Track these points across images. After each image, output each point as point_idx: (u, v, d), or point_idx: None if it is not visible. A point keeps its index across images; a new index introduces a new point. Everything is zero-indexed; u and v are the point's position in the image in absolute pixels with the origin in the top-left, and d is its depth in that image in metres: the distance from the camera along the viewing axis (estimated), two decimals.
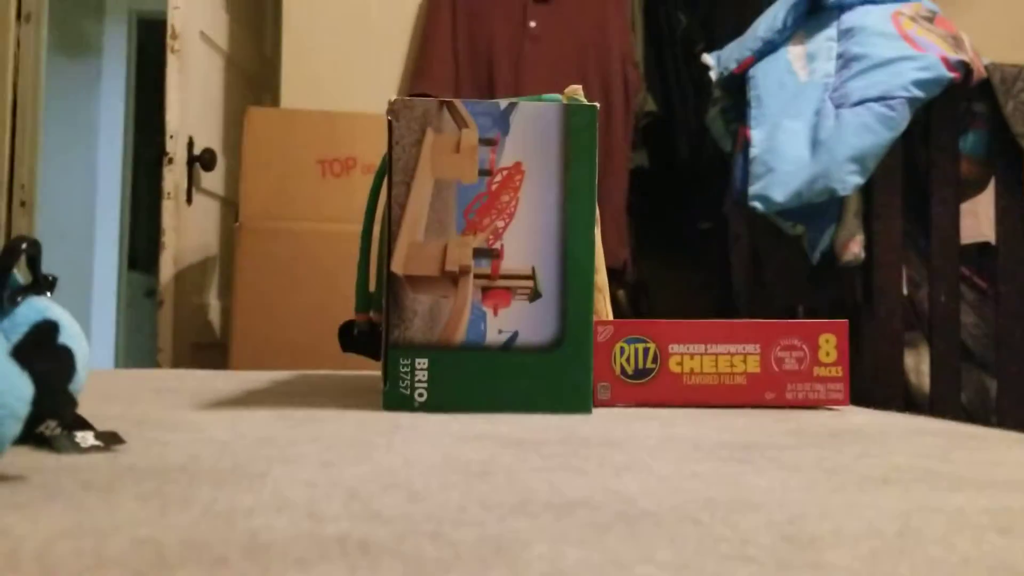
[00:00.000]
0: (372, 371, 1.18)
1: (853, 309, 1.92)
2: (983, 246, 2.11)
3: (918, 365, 1.95)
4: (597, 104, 0.65)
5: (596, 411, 0.69)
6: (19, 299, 0.48)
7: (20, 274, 0.49)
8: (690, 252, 3.10)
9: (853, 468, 0.45)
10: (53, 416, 0.43)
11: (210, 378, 0.99)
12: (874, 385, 1.84)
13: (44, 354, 0.44)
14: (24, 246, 0.46)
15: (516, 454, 0.46)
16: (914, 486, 0.40)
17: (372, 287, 0.81)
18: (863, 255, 1.87)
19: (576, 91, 0.78)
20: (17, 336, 0.46)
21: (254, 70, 2.96)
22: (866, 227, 1.88)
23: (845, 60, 1.92)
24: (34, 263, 0.49)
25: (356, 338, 0.80)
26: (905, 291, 1.93)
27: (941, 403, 1.82)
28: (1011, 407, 1.86)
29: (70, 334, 0.49)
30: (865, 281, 1.90)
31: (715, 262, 2.85)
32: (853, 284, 1.92)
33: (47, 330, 0.44)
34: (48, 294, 0.51)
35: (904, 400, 1.87)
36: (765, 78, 2.02)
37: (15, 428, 0.36)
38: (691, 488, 0.38)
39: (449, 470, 0.41)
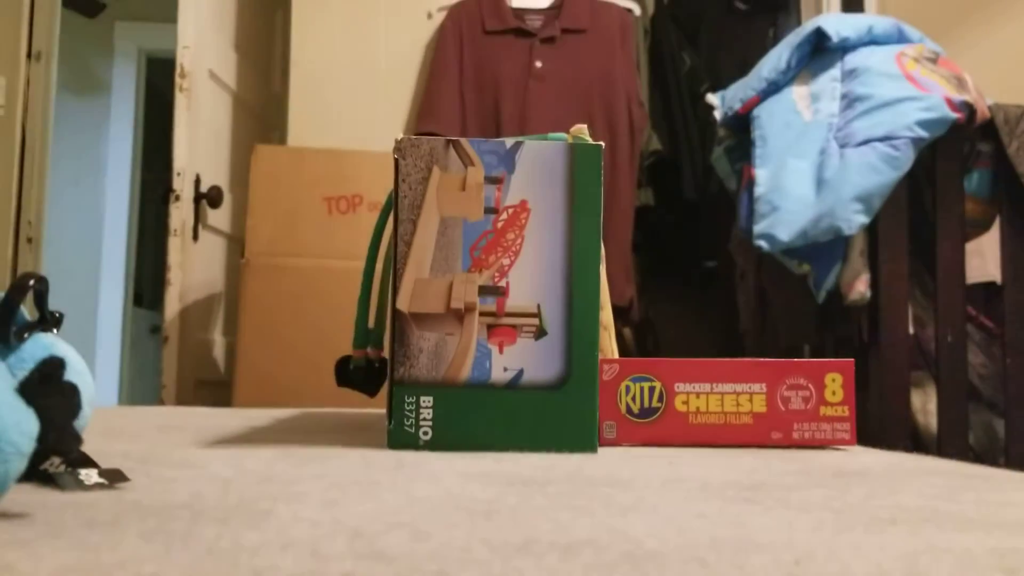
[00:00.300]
0: (376, 409, 1.17)
1: (859, 348, 1.91)
2: (989, 286, 2.10)
3: (925, 405, 1.94)
4: (602, 143, 0.66)
5: (602, 450, 0.69)
6: (26, 335, 0.48)
7: (27, 310, 0.49)
8: (696, 290, 3.10)
9: (860, 508, 0.44)
10: (58, 453, 0.43)
11: (214, 415, 0.99)
12: (881, 425, 1.83)
13: (50, 390, 0.44)
14: (32, 282, 0.46)
15: (521, 493, 0.46)
16: (921, 526, 0.40)
17: (371, 323, 0.81)
18: (869, 294, 1.87)
19: (581, 130, 0.78)
20: (23, 372, 0.46)
21: (262, 108, 2.99)
22: (872, 266, 1.88)
23: (849, 100, 1.93)
24: (41, 299, 0.49)
25: (352, 373, 0.80)
26: (912, 330, 1.92)
27: (949, 443, 1.81)
28: (1020, 448, 1.84)
29: (76, 370, 0.50)
30: (871, 320, 1.89)
31: (721, 300, 2.85)
32: (859, 323, 1.92)
33: (53, 366, 0.44)
34: (55, 330, 0.51)
35: (911, 440, 1.86)
36: (770, 118, 2.04)
37: (20, 465, 0.36)
38: (697, 528, 0.38)
39: (454, 509, 0.41)
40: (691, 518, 0.40)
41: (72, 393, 0.45)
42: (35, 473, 0.43)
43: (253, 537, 0.34)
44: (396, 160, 0.66)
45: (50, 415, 0.41)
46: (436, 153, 0.65)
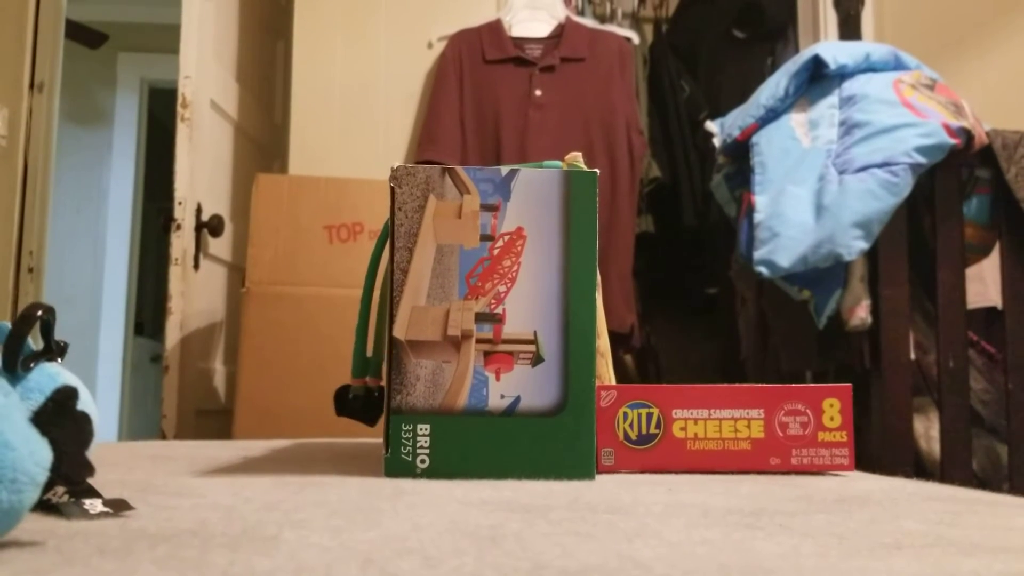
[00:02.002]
0: (371, 438, 1.17)
1: (861, 374, 1.91)
2: (991, 311, 2.10)
3: (928, 431, 1.93)
4: (597, 170, 0.66)
5: (600, 477, 0.69)
6: (32, 365, 0.48)
7: (31, 340, 0.49)
8: (697, 317, 3.10)
9: (864, 534, 0.44)
10: (68, 482, 0.43)
11: (205, 447, 0.98)
12: (884, 450, 1.83)
13: (64, 420, 0.44)
14: (40, 313, 0.46)
15: (524, 519, 0.46)
16: (926, 551, 0.39)
17: (370, 352, 0.81)
18: (870, 320, 1.86)
19: (576, 158, 0.78)
20: (30, 401, 0.46)
21: (263, 137, 3.00)
22: (872, 292, 1.88)
23: (847, 127, 1.94)
24: (47, 329, 0.49)
25: (351, 402, 0.80)
26: (913, 356, 1.92)
27: (952, 469, 1.80)
28: (1023, 473, 1.83)
29: (84, 400, 0.50)
30: (872, 346, 1.89)
31: (722, 327, 2.85)
32: (861, 349, 1.91)
33: (67, 396, 0.44)
34: (59, 360, 0.51)
35: (914, 466, 1.85)
36: (768, 145, 2.04)
37: (34, 495, 0.36)
38: (704, 554, 0.38)
39: (459, 535, 0.41)
40: (696, 544, 0.40)
41: (85, 422, 0.45)
42: (39, 502, 0.43)
43: (265, 563, 0.34)
44: (392, 188, 0.66)
45: (63, 445, 0.41)
46: (432, 181, 0.65)
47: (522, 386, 0.64)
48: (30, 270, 2.61)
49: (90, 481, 0.46)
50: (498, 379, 0.64)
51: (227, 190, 2.66)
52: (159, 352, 3.82)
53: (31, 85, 2.65)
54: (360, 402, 0.80)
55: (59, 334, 0.50)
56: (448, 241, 0.65)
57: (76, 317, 4.40)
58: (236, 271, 2.70)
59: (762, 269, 1.90)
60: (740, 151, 2.15)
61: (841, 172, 1.87)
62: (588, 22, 2.85)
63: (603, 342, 0.80)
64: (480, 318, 0.64)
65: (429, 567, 0.34)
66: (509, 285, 0.64)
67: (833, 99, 2.02)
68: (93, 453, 0.48)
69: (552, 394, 0.64)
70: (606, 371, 0.80)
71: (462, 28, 2.75)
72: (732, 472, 0.74)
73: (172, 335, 2.28)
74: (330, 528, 0.42)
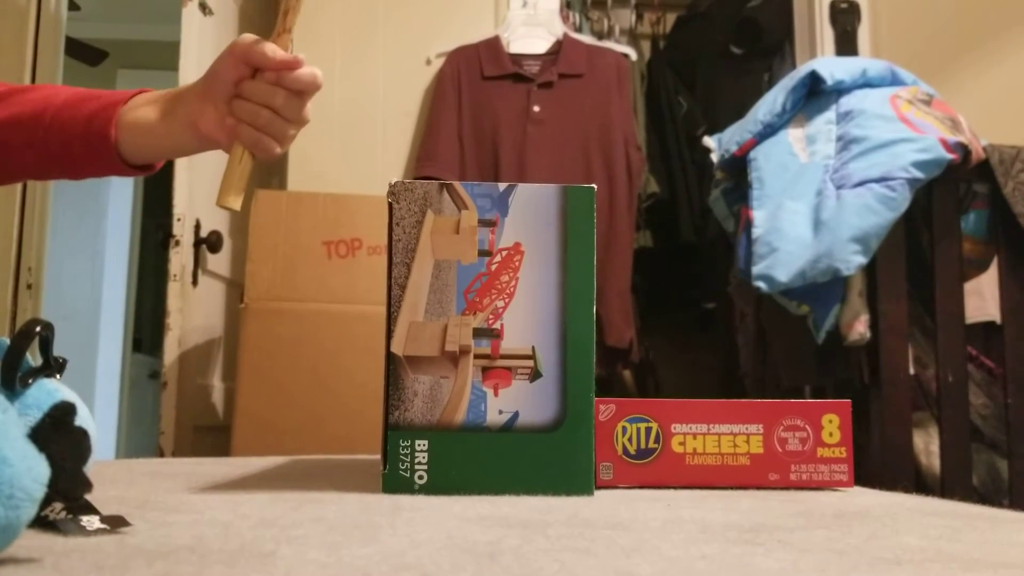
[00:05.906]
0: (369, 454, 1.17)
1: (860, 389, 1.90)
2: (989, 325, 2.10)
3: (928, 446, 1.93)
4: (595, 186, 0.66)
5: (598, 492, 0.69)
6: (31, 381, 0.48)
7: (30, 356, 0.49)
8: (696, 332, 3.10)
9: (864, 549, 0.44)
10: (66, 498, 0.43)
11: (203, 463, 0.98)
12: (883, 466, 1.82)
13: (62, 436, 0.44)
14: (38, 329, 0.46)
15: (522, 535, 0.46)
16: (927, 567, 0.39)
17: None
18: (869, 335, 1.86)
19: None
20: (28, 418, 0.46)
21: None
22: (871, 307, 1.88)
23: (845, 142, 1.94)
24: (46, 345, 0.49)
25: None
26: (912, 371, 1.92)
27: (953, 484, 1.80)
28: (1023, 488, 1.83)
29: (81, 416, 0.49)
30: (872, 361, 1.89)
31: (721, 342, 2.85)
32: (860, 364, 1.91)
33: (65, 411, 0.44)
34: (58, 376, 0.51)
35: (914, 481, 1.85)
36: (766, 160, 2.05)
37: (31, 511, 0.36)
38: (703, 570, 0.38)
39: (457, 551, 0.41)
40: (695, 560, 0.40)
41: (83, 438, 0.45)
42: (36, 519, 0.42)
43: None
44: (390, 204, 0.66)
45: (61, 461, 0.41)
46: (430, 197, 0.65)
47: (520, 401, 0.64)
48: (28, 286, 2.61)
49: (87, 497, 0.45)
50: (496, 394, 0.64)
51: None
52: (157, 368, 3.82)
53: None
54: None
55: (57, 350, 0.50)
56: (446, 256, 0.65)
57: (74, 333, 4.40)
58: (235, 287, 2.70)
59: (760, 284, 1.90)
60: (738, 166, 2.16)
61: (839, 187, 1.87)
62: (586, 38, 2.87)
63: None
64: (478, 333, 0.64)
65: None
66: (507, 300, 0.64)
67: (830, 114, 2.03)
68: (91, 470, 0.48)
69: (550, 409, 0.64)
70: None
71: (460, 45, 2.76)
72: (731, 487, 0.73)
73: (170, 351, 2.27)
74: (328, 544, 0.42)
